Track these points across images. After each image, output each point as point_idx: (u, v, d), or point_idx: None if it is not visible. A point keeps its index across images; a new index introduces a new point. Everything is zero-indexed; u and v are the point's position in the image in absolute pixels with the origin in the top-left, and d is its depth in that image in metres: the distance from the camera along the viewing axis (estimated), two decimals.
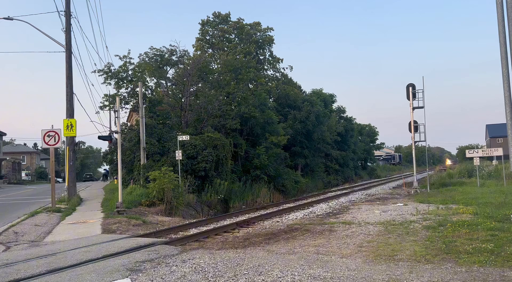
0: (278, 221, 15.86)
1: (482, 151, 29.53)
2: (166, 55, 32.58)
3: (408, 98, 26.95)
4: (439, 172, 49.18)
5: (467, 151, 29.37)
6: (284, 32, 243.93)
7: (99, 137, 18.66)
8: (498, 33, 8.58)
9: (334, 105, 56.22)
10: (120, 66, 29.41)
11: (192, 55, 34.70)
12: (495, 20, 8.68)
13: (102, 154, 41.52)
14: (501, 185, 25.03)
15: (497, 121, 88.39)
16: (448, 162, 75.21)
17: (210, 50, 42.07)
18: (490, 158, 50.72)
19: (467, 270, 6.93)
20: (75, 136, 22.35)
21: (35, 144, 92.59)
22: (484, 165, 37.35)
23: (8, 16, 22.88)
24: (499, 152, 27.42)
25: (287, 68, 47.96)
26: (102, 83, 29.75)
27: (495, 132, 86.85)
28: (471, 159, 29.86)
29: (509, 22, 8.33)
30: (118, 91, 29.46)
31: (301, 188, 37.31)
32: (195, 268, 7.69)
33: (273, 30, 43.70)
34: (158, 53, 32.36)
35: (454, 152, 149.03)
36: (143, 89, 27.04)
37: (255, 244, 10.31)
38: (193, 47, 41.92)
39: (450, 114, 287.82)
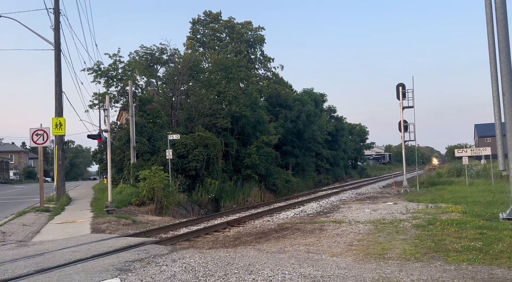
0: (269, 220, 15.85)
1: (471, 150, 29.81)
2: (157, 54, 32.39)
3: (398, 98, 27.12)
4: (428, 171, 49.59)
5: (456, 150, 29.66)
6: (275, 31, 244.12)
7: (89, 136, 18.43)
8: (487, 33, 8.65)
9: (325, 105, 56.41)
10: (110, 65, 29.17)
11: (183, 54, 34.55)
12: (484, 20, 8.76)
13: (91, 153, 41.16)
14: (489, 184, 25.32)
15: (485, 121, 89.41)
16: (435, 161, 75.40)
17: (201, 49, 41.97)
18: (479, 157, 51.28)
19: (456, 268, 6.99)
20: (64, 135, 22.17)
21: (24, 143, 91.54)
22: (473, 164, 37.74)
23: None
24: (487, 151, 27.73)
25: (278, 67, 48.12)
26: (91, 82, 29.53)
27: (483, 132, 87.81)
28: (460, 158, 30.16)
29: (497, 23, 8.40)
30: (108, 90, 29.22)
31: (292, 187, 37.37)
32: (185, 267, 7.65)
33: (264, 29, 43.76)
34: (148, 51, 32.16)
35: (443, 151, 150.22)
36: (133, 88, 26.87)
37: (246, 243, 10.30)
38: (184, 46, 41.84)
39: (439, 114, 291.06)
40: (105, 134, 18.50)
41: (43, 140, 18.24)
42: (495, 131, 8.78)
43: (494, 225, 10.54)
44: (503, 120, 9.03)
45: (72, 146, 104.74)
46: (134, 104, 25.46)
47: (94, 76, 29.00)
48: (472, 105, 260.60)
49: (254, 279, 6.71)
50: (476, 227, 10.43)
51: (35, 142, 18.21)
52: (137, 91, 30.02)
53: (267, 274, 6.96)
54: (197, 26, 41.84)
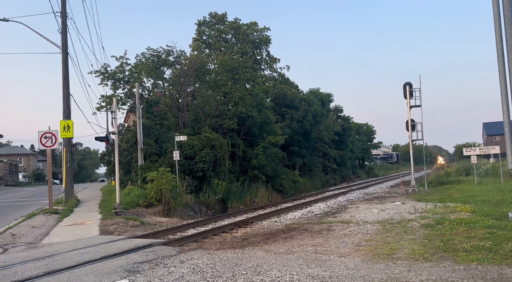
0: (276, 221, 15.84)
1: (479, 149, 29.54)
2: (163, 56, 32.53)
3: (405, 97, 26.96)
4: (436, 170, 49.25)
5: (464, 149, 29.41)
6: (281, 32, 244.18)
7: (96, 139, 18.55)
8: (494, 31, 8.58)
9: (332, 105, 56.27)
10: (116, 67, 29.39)
11: (189, 56, 34.68)
12: (492, 18, 8.69)
13: (99, 155, 41.41)
14: (498, 182, 25.09)
15: (494, 120, 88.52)
16: (440, 160, 74.25)
17: (207, 51, 42.05)
18: (487, 156, 50.83)
19: (466, 268, 6.93)
20: (72, 138, 22.29)
21: (32, 146, 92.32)
22: (482, 163, 37.39)
23: (4, 18, 22.79)
24: (496, 149, 27.48)
25: (284, 68, 48.01)
26: (98, 84, 29.73)
27: (492, 131, 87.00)
28: (469, 157, 29.93)
29: (505, 20, 8.33)
30: (115, 92, 29.44)
31: (299, 187, 37.31)
32: (193, 268, 7.67)
33: (269, 30, 43.70)
34: (154, 53, 32.31)
35: (451, 150, 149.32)
36: (140, 90, 27.00)
37: (254, 244, 10.29)
38: (190, 48, 41.95)
39: (447, 113, 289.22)
40: (112, 136, 18.61)
41: (52, 143, 18.37)
42: (503, 129, 8.68)
43: (504, 224, 10.45)
44: (511, 119, 8.94)
45: (80, 148, 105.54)
46: (141, 106, 25.58)
47: (101, 78, 29.24)
48: (480, 103, 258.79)
49: (262, 280, 6.71)
50: (486, 226, 10.34)
51: (43, 145, 18.35)
52: (144, 93, 30.18)
53: (275, 275, 6.95)
54: (202, 28, 41.93)
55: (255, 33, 42.98)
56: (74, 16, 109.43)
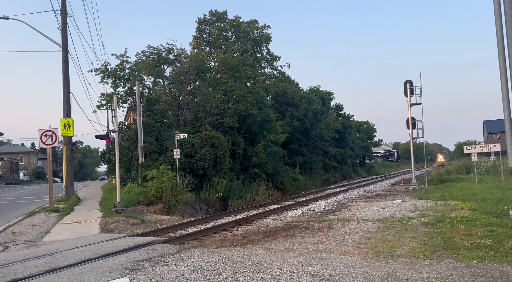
0: (276, 219, 15.85)
1: (480, 147, 29.51)
2: (163, 54, 32.47)
3: (406, 94, 26.91)
4: (437, 168, 49.24)
5: (465, 147, 29.37)
6: (281, 30, 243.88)
7: (97, 137, 18.54)
8: (495, 28, 8.55)
9: (332, 103, 56.21)
10: (117, 65, 29.32)
11: (189, 54, 34.63)
12: (492, 16, 8.66)
13: (100, 153, 41.40)
14: (499, 180, 25.07)
15: (494, 117, 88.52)
16: (440, 157, 74.04)
17: (207, 49, 42.02)
18: (488, 154, 50.84)
19: (466, 266, 6.93)
20: (73, 136, 22.29)
21: (33, 144, 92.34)
22: (482, 161, 37.39)
23: (4, 15, 22.77)
24: (496, 147, 27.43)
25: (284, 66, 47.98)
26: (99, 82, 29.65)
27: (492, 129, 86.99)
28: (469, 155, 29.90)
29: (506, 18, 8.30)
30: (115, 90, 29.38)
31: (300, 185, 37.32)
32: (193, 266, 7.67)
33: (270, 28, 43.69)
34: (155, 51, 32.24)
35: (452, 148, 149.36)
36: (140, 88, 26.97)
37: (254, 242, 10.29)
38: (190, 46, 41.93)
39: (448, 111, 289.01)
40: (113, 134, 18.60)
41: (52, 141, 18.37)
42: (504, 127, 8.66)
43: (505, 222, 10.44)
44: None
45: (80, 146, 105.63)
46: (142, 104, 25.57)
47: (101, 76, 29.19)
48: (481, 101, 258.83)
49: (262, 277, 6.71)
50: (486, 224, 10.33)
51: (44, 143, 18.35)
52: (144, 91, 30.14)
53: (275, 272, 6.95)
54: (203, 26, 41.89)
55: (256, 31, 42.95)
56: (74, 14, 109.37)
